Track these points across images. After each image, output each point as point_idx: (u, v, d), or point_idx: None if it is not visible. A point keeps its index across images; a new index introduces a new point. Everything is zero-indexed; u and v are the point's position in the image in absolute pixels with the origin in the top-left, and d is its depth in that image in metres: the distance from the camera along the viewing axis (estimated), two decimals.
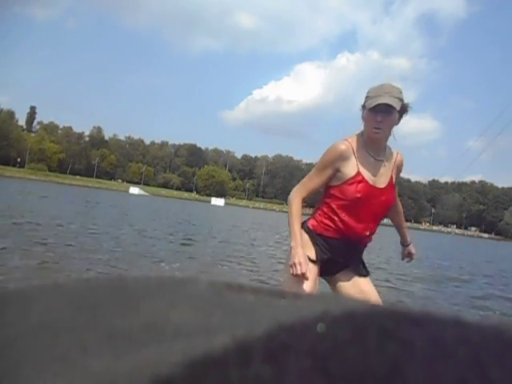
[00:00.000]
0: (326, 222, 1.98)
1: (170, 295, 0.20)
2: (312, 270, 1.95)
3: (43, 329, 0.17)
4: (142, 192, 76.83)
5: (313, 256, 1.97)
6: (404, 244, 2.29)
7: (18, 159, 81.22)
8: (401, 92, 1.86)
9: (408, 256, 2.28)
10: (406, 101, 1.87)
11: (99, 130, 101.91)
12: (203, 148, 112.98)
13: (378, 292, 2.17)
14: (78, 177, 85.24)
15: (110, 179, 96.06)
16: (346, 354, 0.14)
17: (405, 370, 0.14)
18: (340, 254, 2.01)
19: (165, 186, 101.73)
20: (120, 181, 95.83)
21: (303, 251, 1.92)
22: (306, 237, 2.00)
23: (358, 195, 1.90)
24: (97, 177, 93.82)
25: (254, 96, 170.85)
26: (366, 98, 1.88)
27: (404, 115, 1.92)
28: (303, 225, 2.02)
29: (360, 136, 1.95)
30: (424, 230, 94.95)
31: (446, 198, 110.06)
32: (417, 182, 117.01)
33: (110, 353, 0.15)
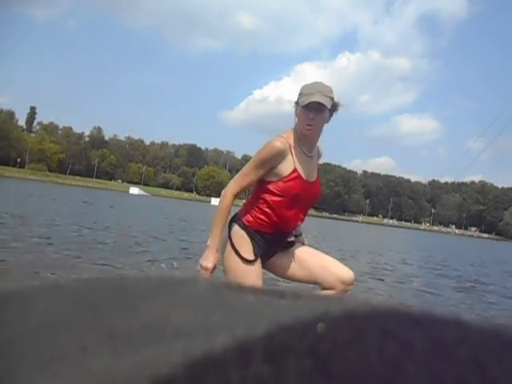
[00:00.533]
0: (262, 217, 2.03)
1: (170, 295, 0.20)
2: (255, 270, 2.05)
3: (43, 329, 0.17)
4: (142, 192, 76.78)
5: (251, 256, 2.04)
6: (296, 235, 2.30)
7: (18, 159, 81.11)
8: (331, 91, 1.96)
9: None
10: (336, 99, 1.98)
11: (99, 130, 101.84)
12: (203, 148, 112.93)
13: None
14: (77, 177, 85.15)
15: (110, 179, 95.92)
16: (346, 354, 0.14)
17: (405, 370, 0.14)
18: (275, 245, 2.12)
19: (165, 186, 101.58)
20: (120, 181, 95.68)
21: (217, 256, 1.99)
22: (243, 233, 2.05)
23: (295, 191, 1.99)
24: (97, 177, 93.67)
25: (254, 96, 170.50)
26: (300, 95, 1.96)
27: (334, 113, 2.02)
28: (237, 220, 2.07)
29: (294, 132, 2.03)
30: (424, 230, 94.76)
31: (445, 198, 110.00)
32: (417, 182, 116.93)
33: (109, 353, 0.15)
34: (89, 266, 4.94)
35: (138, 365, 0.14)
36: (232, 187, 2.02)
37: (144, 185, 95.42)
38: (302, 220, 2.13)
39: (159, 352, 0.15)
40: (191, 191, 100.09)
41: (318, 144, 2.12)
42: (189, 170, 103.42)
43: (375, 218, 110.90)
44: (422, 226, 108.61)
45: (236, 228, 2.06)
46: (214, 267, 1.99)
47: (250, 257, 2.03)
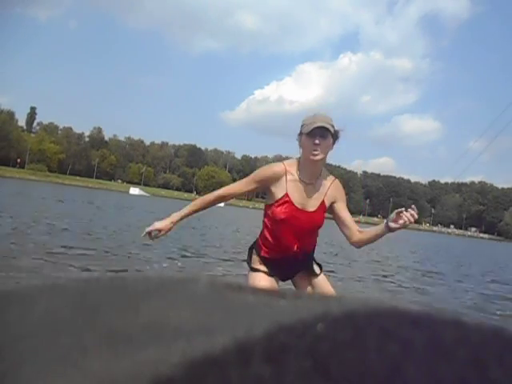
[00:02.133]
0: (265, 242, 2.19)
1: (170, 295, 0.19)
2: (261, 275, 2.20)
3: (43, 329, 0.17)
4: (143, 192, 76.79)
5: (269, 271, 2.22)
6: (387, 221, 2.10)
7: (18, 160, 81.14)
8: (332, 120, 2.06)
9: (398, 219, 2.07)
10: (336, 128, 2.06)
11: (99, 130, 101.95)
12: (203, 148, 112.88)
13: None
14: (77, 177, 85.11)
15: (110, 180, 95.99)
16: (346, 354, 0.14)
17: (405, 370, 0.14)
18: (286, 268, 2.24)
19: (165, 186, 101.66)
20: (120, 181, 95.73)
21: (168, 225, 2.09)
22: (258, 260, 2.22)
23: (283, 216, 2.08)
24: (97, 177, 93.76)
25: (255, 96, 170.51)
26: (302, 126, 2.06)
27: (336, 141, 2.10)
28: (255, 247, 2.25)
29: (297, 161, 2.13)
30: (424, 230, 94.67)
31: (445, 198, 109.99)
32: (416, 183, 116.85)
33: (109, 353, 0.15)
34: (89, 266, 4.94)
35: (138, 365, 0.14)
36: (222, 189, 2.18)
37: (144, 185, 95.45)
38: (300, 247, 2.14)
39: (159, 352, 0.15)
40: (191, 192, 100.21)
41: (330, 177, 2.18)
42: (189, 171, 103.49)
43: (375, 219, 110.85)
44: (422, 227, 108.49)
45: (253, 256, 2.24)
46: (160, 230, 2.08)
47: (262, 268, 2.20)
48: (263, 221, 2.20)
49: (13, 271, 4.14)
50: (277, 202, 2.09)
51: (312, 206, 2.11)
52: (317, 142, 2.00)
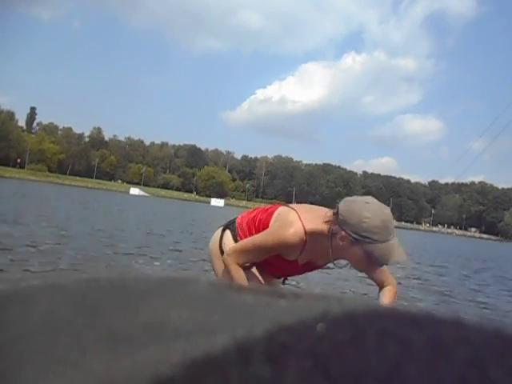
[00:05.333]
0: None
1: (170, 295, 0.20)
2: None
3: (43, 329, 0.17)
4: (143, 193, 76.92)
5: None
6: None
7: (18, 160, 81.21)
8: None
9: None
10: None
11: (99, 130, 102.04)
12: (203, 149, 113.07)
13: None
14: (77, 178, 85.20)
15: (110, 180, 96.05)
16: (346, 354, 0.14)
17: (405, 370, 0.14)
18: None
19: (165, 186, 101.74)
20: (120, 181, 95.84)
21: None
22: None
23: (275, 264, 1.76)
24: (97, 177, 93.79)
25: (257, 96, 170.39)
26: (374, 233, 1.44)
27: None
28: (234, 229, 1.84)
29: (328, 235, 1.56)
30: (424, 230, 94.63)
31: (445, 198, 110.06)
32: (417, 183, 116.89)
33: (109, 353, 0.15)
34: (90, 265, 4.94)
35: (138, 365, 0.14)
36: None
37: (144, 185, 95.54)
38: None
39: (159, 352, 0.15)
40: (191, 192, 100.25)
41: None
42: (189, 171, 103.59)
43: None
44: (422, 227, 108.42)
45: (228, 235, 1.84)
46: None
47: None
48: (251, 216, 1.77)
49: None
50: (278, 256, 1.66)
51: (318, 261, 1.73)
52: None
